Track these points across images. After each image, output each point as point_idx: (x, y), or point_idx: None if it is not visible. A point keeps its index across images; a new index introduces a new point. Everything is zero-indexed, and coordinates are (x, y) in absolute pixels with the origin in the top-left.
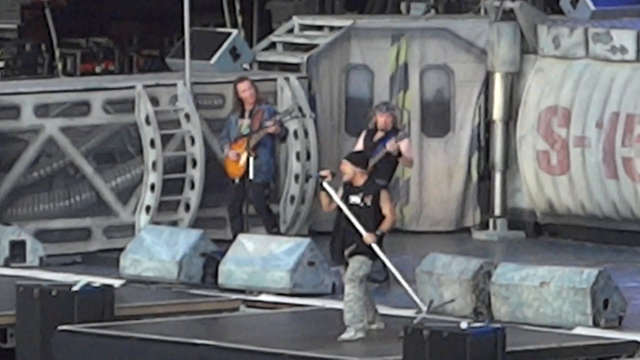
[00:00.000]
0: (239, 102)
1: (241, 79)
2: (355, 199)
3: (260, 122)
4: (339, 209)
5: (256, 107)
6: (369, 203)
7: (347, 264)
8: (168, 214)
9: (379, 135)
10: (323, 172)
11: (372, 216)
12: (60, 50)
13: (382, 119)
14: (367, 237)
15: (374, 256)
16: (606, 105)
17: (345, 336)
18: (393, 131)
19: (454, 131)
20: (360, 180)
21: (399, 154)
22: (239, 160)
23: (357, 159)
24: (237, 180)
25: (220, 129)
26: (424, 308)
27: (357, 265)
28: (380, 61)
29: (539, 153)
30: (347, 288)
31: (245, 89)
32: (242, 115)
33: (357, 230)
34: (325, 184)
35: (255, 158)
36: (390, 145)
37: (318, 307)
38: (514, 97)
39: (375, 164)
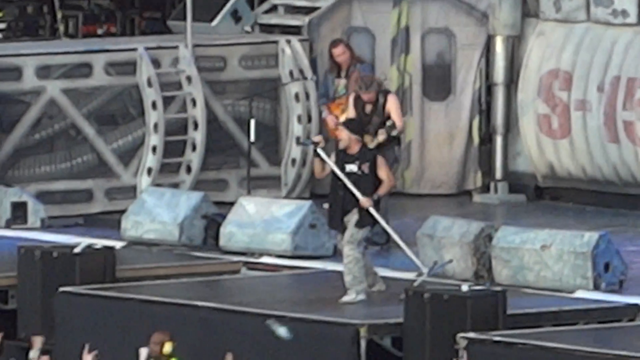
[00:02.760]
0: (335, 63)
1: (335, 43)
2: (351, 167)
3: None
4: (334, 174)
5: (352, 68)
6: (366, 171)
7: (345, 229)
8: (169, 176)
9: (369, 108)
10: (315, 138)
11: (370, 183)
12: (62, 12)
13: (366, 97)
14: (364, 201)
15: (372, 222)
16: (607, 68)
17: (346, 299)
18: (382, 94)
19: (455, 94)
20: (355, 148)
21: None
22: (336, 124)
23: (353, 126)
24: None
25: (221, 91)
26: (425, 270)
27: (355, 229)
28: (381, 24)
29: (540, 117)
30: (346, 250)
31: (339, 54)
32: (338, 75)
33: (353, 195)
34: (319, 150)
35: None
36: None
37: (319, 269)
38: (515, 61)
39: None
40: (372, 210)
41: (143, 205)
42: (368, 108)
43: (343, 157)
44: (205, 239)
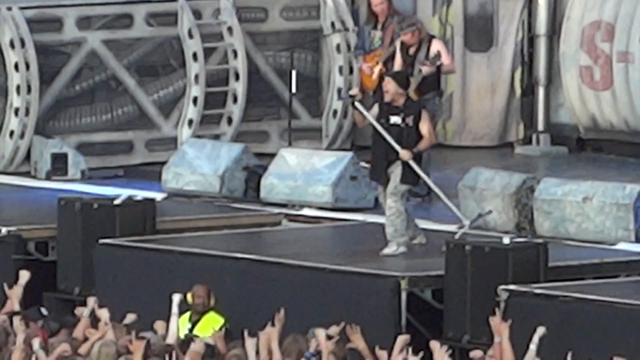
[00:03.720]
0: (373, 13)
1: None
2: (396, 119)
3: (392, 35)
4: (374, 127)
5: (389, 20)
6: (410, 123)
7: (387, 181)
8: (210, 127)
9: (413, 49)
10: (353, 91)
11: (413, 136)
12: None
13: (406, 38)
14: (404, 153)
15: (414, 178)
16: None
17: (387, 251)
18: (426, 40)
19: (497, 46)
20: (400, 100)
21: (439, 67)
22: (372, 74)
23: (400, 77)
24: (371, 93)
25: (262, 42)
26: (466, 222)
27: (397, 180)
28: None
29: (582, 68)
30: (389, 202)
31: (377, 3)
32: (374, 27)
33: (392, 148)
34: (357, 104)
35: (386, 72)
36: (425, 70)
37: (360, 221)
38: (558, 12)
39: (418, 85)
40: (413, 164)
41: (184, 156)
42: (411, 50)
43: (387, 109)
44: (246, 190)
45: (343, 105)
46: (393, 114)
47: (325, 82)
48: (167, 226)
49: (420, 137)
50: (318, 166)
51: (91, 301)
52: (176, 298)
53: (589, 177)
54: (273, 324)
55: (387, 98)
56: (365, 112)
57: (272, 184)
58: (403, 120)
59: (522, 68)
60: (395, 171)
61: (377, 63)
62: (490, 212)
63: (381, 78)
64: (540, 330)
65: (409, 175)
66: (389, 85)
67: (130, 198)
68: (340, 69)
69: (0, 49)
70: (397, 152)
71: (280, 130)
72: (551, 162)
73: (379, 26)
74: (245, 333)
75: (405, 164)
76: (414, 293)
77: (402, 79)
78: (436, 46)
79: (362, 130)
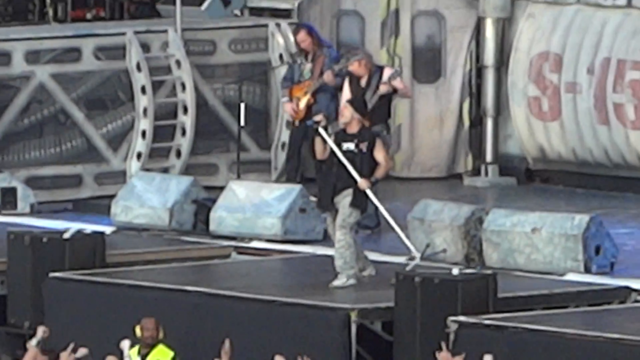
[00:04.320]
0: (301, 49)
1: (297, 30)
2: (349, 146)
3: (322, 67)
4: (330, 155)
5: (318, 52)
6: (364, 149)
7: (335, 211)
8: (159, 160)
9: (364, 80)
10: (317, 118)
11: (367, 163)
12: None
13: (353, 67)
14: (362, 182)
15: (364, 205)
16: (597, 50)
17: (337, 283)
18: (377, 70)
19: (445, 77)
20: (355, 127)
21: (394, 90)
22: (299, 102)
23: (358, 104)
24: (296, 123)
25: (211, 75)
26: (417, 254)
27: (348, 212)
28: (371, 7)
29: (530, 99)
30: (338, 235)
31: (302, 40)
32: (305, 59)
33: (351, 176)
34: (321, 130)
35: (314, 103)
36: (383, 88)
37: (309, 253)
38: (505, 43)
39: (372, 108)
40: (369, 193)
41: (133, 190)
42: (362, 82)
43: (341, 136)
44: (195, 223)
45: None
46: (346, 141)
47: (274, 114)
48: (116, 259)
49: (372, 164)
50: (267, 199)
51: (40, 331)
52: (125, 344)
53: (538, 208)
54: (219, 357)
55: (340, 123)
56: (328, 139)
57: (221, 217)
58: (357, 146)
59: (471, 99)
60: (343, 202)
61: (306, 94)
62: (444, 250)
63: (309, 109)
64: (488, 358)
65: (359, 200)
66: (346, 110)
67: (79, 232)
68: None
69: None
70: (350, 180)
71: (229, 163)
72: (500, 193)
73: (309, 58)
74: None
75: (358, 191)
76: (364, 325)
77: (360, 106)
78: (389, 71)
79: (311, 163)
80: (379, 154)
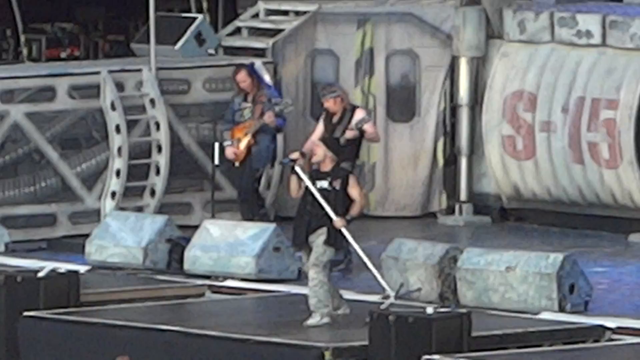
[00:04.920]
0: (241, 89)
1: (238, 70)
2: (322, 184)
3: (262, 108)
4: (305, 191)
5: (258, 93)
6: (337, 187)
7: (310, 250)
8: (133, 199)
9: (336, 117)
10: (293, 155)
11: (340, 200)
12: (26, 35)
13: (328, 104)
14: (337, 221)
15: (339, 244)
16: (572, 89)
17: (311, 322)
18: (349, 110)
19: (419, 116)
20: (328, 165)
21: (362, 134)
22: (239, 143)
23: (331, 143)
24: (236, 164)
25: (185, 114)
26: (392, 293)
27: (321, 250)
28: (345, 46)
29: (505, 138)
30: (311, 273)
31: (242, 80)
32: (245, 99)
33: (326, 215)
34: (297, 168)
35: (254, 144)
36: (349, 134)
37: (284, 292)
38: (480, 82)
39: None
40: (345, 231)
41: (107, 229)
42: (335, 118)
43: (314, 174)
44: (170, 262)
45: (266, 177)
46: (320, 179)
47: None
48: (90, 298)
49: (346, 202)
50: (241, 238)
51: None
52: None
53: (512, 247)
54: None
55: (313, 160)
56: (304, 177)
57: (196, 256)
58: (330, 184)
59: (445, 138)
60: (317, 241)
61: (246, 135)
62: (419, 289)
63: (249, 150)
64: None
65: (334, 239)
66: (318, 148)
67: (53, 270)
68: None
69: None
70: (325, 219)
71: (204, 202)
72: (474, 232)
73: (249, 98)
74: None
75: (333, 230)
76: None
77: (332, 144)
78: (360, 114)
79: (285, 202)
80: (353, 191)
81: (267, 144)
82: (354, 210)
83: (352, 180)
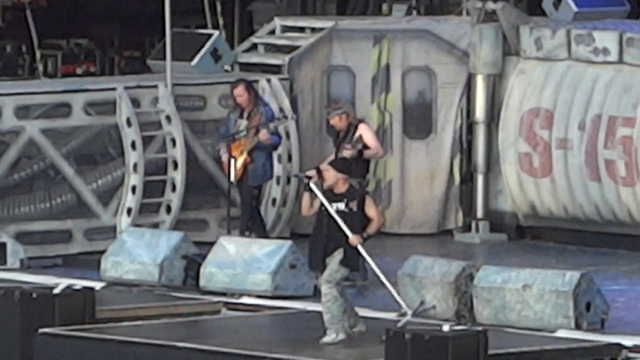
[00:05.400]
0: (237, 104)
1: (236, 84)
2: (339, 206)
3: (258, 125)
4: (320, 213)
5: (254, 110)
6: (354, 208)
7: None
8: (149, 216)
9: (342, 133)
10: (309, 173)
11: (358, 221)
12: (41, 51)
13: (334, 122)
14: (354, 238)
15: (354, 264)
16: (588, 107)
17: (326, 339)
18: (354, 124)
19: (436, 133)
20: (342, 187)
21: (360, 153)
22: (236, 160)
23: (341, 165)
24: (232, 180)
25: (201, 130)
26: (409, 311)
27: (335, 267)
28: (362, 63)
29: (521, 155)
30: (324, 289)
31: (240, 94)
32: (241, 115)
33: (343, 235)
34: (312, 184)
35: (250, 162)
36: (346, 153)
37: (299, 309)
38: (496, 99)
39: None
40: (361, 249)
41: (123, 245)
42: (341, 134)
43: (329, 197)
44: (185, 279)
45: (282, 193)
46: (335, 201)
47: None
48: (106, 315)
49: (364, 221)
50: (257, 254)
51: None
52: None
53: (529, 265)
54: None
55: (326, 185)
56: (319, 194)
57: (212, 273)
58: (346, 205)
59: (461, 155)
60: (333, 260)
61: (242, 153)
62: (434, 307)
63: (245, 168)
64: None
65: (350, 260)
66: (328, 173)
67: (69, 287)
68: (279, 157)
69: None
70: (343, 239)
71: (219, 219)
72: (490, 250)
73: (245, 115)
74: None
75: (348, 248)
76: None
77: (343, 166)
78: (361, 130)
79: (302, 219)
80: (371, 210)
81: (262, 161)
82: (371, 229)
83: (368, 201)
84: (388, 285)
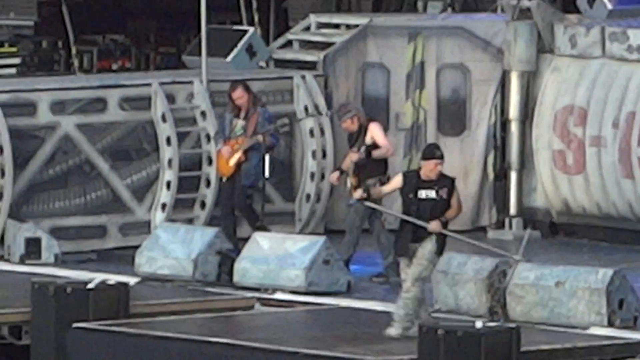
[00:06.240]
0: (235, 105)
1: (234, 86)
2: (429, 193)
3: (255, 125)
4: (408, 200)
5: (252, 110)
6: (444, 196)
7: (411, 257)
8: (184, 211)
9: (355, 136)
10: (357, 195)
11: (443, 208)
12: (77, 47)
13: (346, 125)
14: (434, 224)
15: (443, 248)
16: (622, 104)
17: (391, 331)
18: (364, 125)
19: (470, 130)
20: (433, 175)
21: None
22: (230, 157)
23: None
24: (224, 179)
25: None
26: (517, 257)
27: (425, 264)
28: (396, 59)
29: (555, 152)
30: (410, 285)
31: (239, 97)
32: (237, 116)
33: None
34: (368, 204)
35: (245, 161)
36: (354, 157)
37: (333, 305)
38: (530, 96)
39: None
40: (445, 231)
41: (157, 241)
42: (354, 136)
43: (418, 184)
44: (219, 274)
45: (316, 189)
46: (424, 188)
47: (299, 166)
48: (140, 310)
49: (447, 209)
50: (291, 250)
51: None
52: None
53: (562, 262)
54: None
55: (425, 177)
56: (379, 208)
57: (245, 268)
58: (437, 193)
59: (495, 152)
60: (422, 252)
61: (237, 151)
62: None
63: (238, 166)
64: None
65: (441, 246)
66: (439, 165)
67: (103, 282)
68: (314, 153)
69: None
70: (426, 231)
71: None
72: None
73: (242, 115)
74: None
75: (440, 238)
76: None
77: (439, 150)
78: (371, 130)
79: (335, 215)
80: (454, 199)
81: (256, 161)
82: (451, 214)
83: (456, 189)
84: (484, 245)
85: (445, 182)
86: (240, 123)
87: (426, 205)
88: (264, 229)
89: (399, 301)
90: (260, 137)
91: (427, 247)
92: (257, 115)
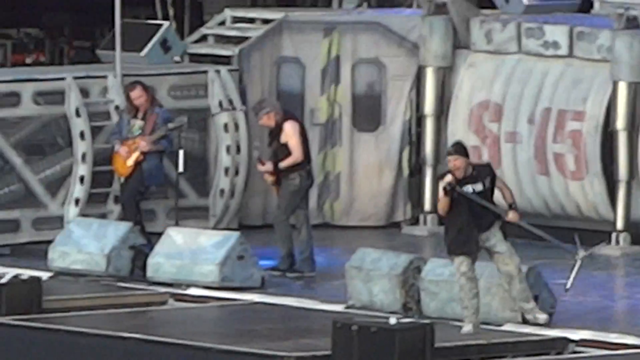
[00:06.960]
0: (133, 106)
1: (132, 86)
2: (476, 187)
3: (153, 126)
4: (456, 204)
5: (150, 111)
6: (488, 184)
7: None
8: (97, 206)
9: (274, 132)
10: (448, 179)
11: (492, 196)
12: None
13: (263, 122)
14: (512, 215)
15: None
16: (538, 100)
17: (466, 329)
18: (280, 122)
19: (385, 125)
20: (469, 169)
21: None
22: (128, 157)
23: (463, 149)
24: (122, 180)
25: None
26: (581, 252)
27: (513, 251)
28: (311, 54)
29: (470, 148)
30: (522, 276)
31: (138, 96)
32: (135, 116)
33: (489, 211)
34: (458, 189)
35: (143, 161)
36: (268, 177)
37: (247, 301)
38: (446, 92)
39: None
40: (521, 223)
41: (70, 235)
42: (274, 133)
43: (461, 182)
44: (133, 269)
45: (230, 184)
46: (467, 183)
47: (213, 161)
48: (53, 305)
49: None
50: (205, 245)
51: None
52: None
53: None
54: None
55: (459, 175)
56: (469, 194)
57: (159, 263)
58: (483, 184)
59: (410, 148)
60: (505, 246)
61: (136, 150)
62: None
63: (136, 166)
64: None
65: (505, 234)
66: (458, 161)
67: (16, 277)
68: (228, 149)
69: None
70: (488, 218)
71: (167, 210)
72: (438, 243)
73: (140, 115)
74: None
75: (504, 224)
76: None
77: (464, 148)
78: (284, 133)
79: (249, 210)
80: (499, 182)
81: (156, 162)
82: (512, 199)
83: (498, 174)
84: (555, 241)
85: (485, 170)
86: (138, 123)
87: (479, 197)
88: (142, 229)
89: (518, 293)
90: (141, 148)
91: (498, 235)
92: (156, 115)
